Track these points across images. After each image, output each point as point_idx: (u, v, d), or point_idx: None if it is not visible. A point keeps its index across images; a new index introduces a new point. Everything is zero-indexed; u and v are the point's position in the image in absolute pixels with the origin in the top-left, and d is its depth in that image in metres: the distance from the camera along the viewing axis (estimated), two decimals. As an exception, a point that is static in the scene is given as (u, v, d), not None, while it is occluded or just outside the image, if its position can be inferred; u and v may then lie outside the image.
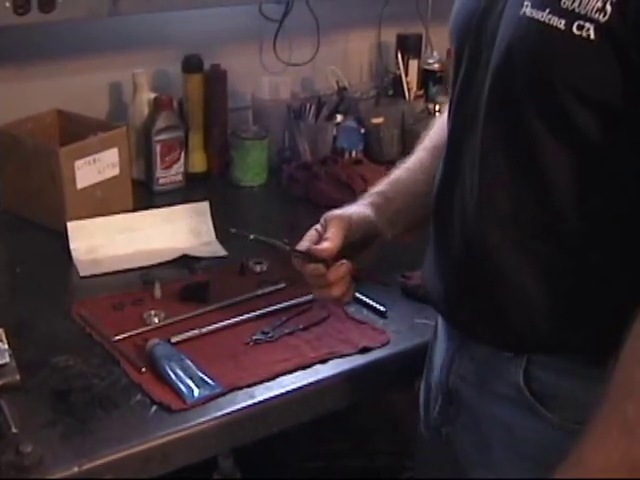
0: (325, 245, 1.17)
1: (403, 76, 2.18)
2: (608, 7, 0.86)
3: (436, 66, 2.22)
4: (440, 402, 1.16)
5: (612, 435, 0.87)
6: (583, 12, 0.88)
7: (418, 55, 2.24)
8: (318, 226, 1.22)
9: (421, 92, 2.20)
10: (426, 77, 2.23)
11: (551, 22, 0.90)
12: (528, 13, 0.93)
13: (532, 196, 0.97)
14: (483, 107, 1.00)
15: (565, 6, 0.89)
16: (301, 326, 1.36)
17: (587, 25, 0.87)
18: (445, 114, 1.27)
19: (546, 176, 0.95)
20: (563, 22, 0.89)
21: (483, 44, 1.01)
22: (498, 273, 1.01)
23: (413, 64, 2.22)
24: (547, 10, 0.91)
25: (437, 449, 1.19)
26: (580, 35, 0.88)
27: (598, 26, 0.87)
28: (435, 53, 2.26)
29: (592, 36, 0.87)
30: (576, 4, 0.88)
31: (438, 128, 1.29)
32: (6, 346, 1.15)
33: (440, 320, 1.21)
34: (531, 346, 1.03)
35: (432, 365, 1.21)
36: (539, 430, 1.04)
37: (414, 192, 1.25)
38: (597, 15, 0.87)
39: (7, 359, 1.07)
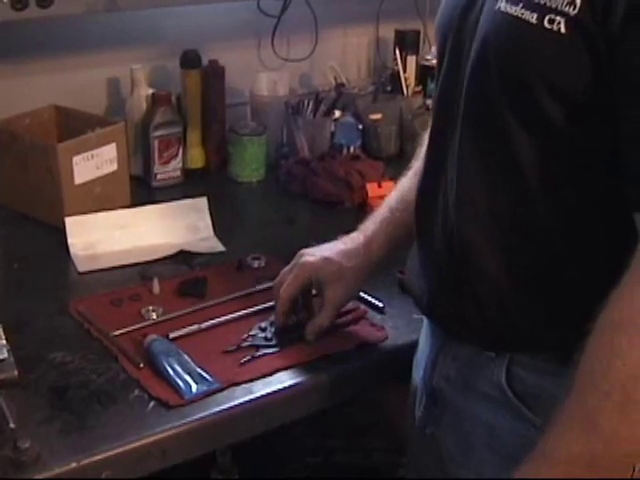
0: (317, 325, 1.29)
1: (401, 72, 2.18)
2: (578, 0, 0.87)
3: (434, 62, 2.21)
4: (424, 402, 1.17)
5: (573, 429, 0.88)
6: (554, 6, 0.89)
7: (416, 51, 2.24)
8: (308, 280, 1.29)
9: (419, 88, 2.20)
10: (424, 73, 2.23)
11: (523, 16, 0.92)
12: (502, 8, 0.94)
13: (506, 189, 0.98)
14: (462, 103, 1.01)
15: (537, 0, 0.91)
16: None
17: (558, 19, 0.89)
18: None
19: (518, 168, 0.96)
20: (535, 16, 0.91)
21: (464, 40, 1.02)
22: (476, 269, 1.02)
23: (411, 60, 2.22)
24: (520, 5, 0.92)
25: (424, 448, 1.20)
26: (551, 29, 0.89)
27: (568, 19, 0.88)
28: (433, 49, 2.25)
29: (563, 29, 0.89)
30: None
31: None
32: (4, 341, 1.15)
33: (424, 319, 1.21)
34: (510, 344, 1.03)
35: (417, 365, 1.22)
36: (521, 431, 1.04)
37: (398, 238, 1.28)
38: (567, 8, 0.88)
39: (5, 355, 1.07)
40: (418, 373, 1.20)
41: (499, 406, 1.05)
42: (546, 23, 0.89)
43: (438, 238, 1.07)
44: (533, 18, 0.91)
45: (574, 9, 0.87)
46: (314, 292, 1.32)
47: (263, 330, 1.32)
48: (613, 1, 0.85)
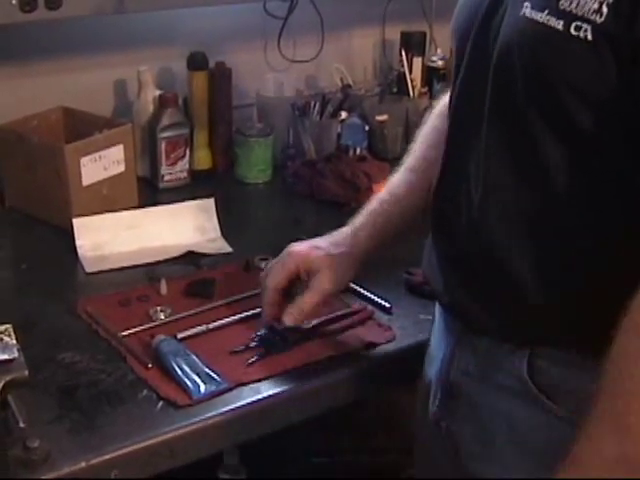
0: (297, 306, 1.25)
1: (407, 73, 2.19)
2: (604, 8, 0.88)
3: (440, 63, 2.22)
4: (439, 396, 1.17)
5: (605, 433, 0.88)
6: (580, 13, 0.90)
7: (422, 52, 2.24)
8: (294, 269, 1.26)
9: (425, 89, 2.20)
10: (430, 74, 2.23)
11: (549, 23, 0.92)
12: (527, 14, 0.95)
13: (532, 188, 0.99)
14: (487, 105, 1.02)
15: (563, 7, 0.91)
16: (306, 322, 1.36)
17: (584, 26, 0.89)
18: (426, 130, 1.32)
19: (545, 169, 0.97)
20: (561, 23, 0.91)
21: (487, 44, 1.02)
22: (502, 265, 1.03)
23: (417, 61, 2.22)
24: (546, 11, 0.93)
25: (436, 443, 1.20)
26: (578, 36, 0.90)
27: (595, 27, 0.88)
28: (439, 51, 2.26)
29: (589, 37, 0.89)
30: (573, 5, 0.90)
31: (426, 144, 1.32)
32: (14, 341, 1.16)
33: (439, 314, 1.21)
34: (533, 339, 1.03)
35: (430, 360, 1.22)
36: (542, 421, 1.05)
37: (391, 233, 1.28)
38: (594, 16, 0.89)
39: (15, 354, 1.07)
40: (432, 368, 1.20)
41: (519, 398, 1.05)
42: (572, 30, 0.90)
43: (461, 235, 1.08)
44: (559, 25, 0.91)
45: (600, 17, 0.88)
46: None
47: (271, 330, 1.33)
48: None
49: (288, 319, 1.25)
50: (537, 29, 0.93)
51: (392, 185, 1.30)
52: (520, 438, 1.07)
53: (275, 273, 1.26)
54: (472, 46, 1.06)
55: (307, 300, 1.24)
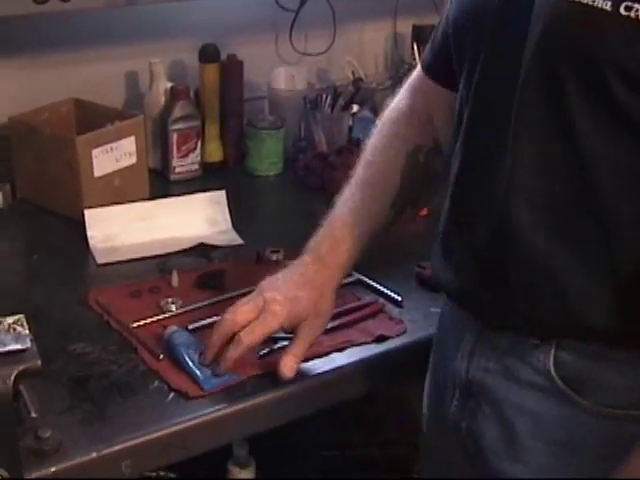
0: (292, 356, 1.20)
1: (419, 67, 2.18)
2: None
3: (451, 57, 2.22)
4: (458, 396, 1.14)
5: None
6: None
7: (434, 46, 2.24)
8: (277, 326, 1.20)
9: (436, 83, 2.19)
10: (442, 68, 2.22)
11: (595, 4, 0.89)
12: None
13: (566, 176, 0.96)
14: (519, 89, 0.97)
15: None
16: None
17: (636, 6, 0.86)
18: (381, 141, 1.29)
19: (582, 155, 0.94)
20: (609, 3, 0.88)
21: (516, 31, 0.98)
22: (528, 256, 1.00)
23: (428, 55, 2.22)
24: None
25: (454, 444, 1.17)
26: (628, 16, 0.87)
27: None
28: (451, 44, 2.25)
29: None
30: None
31: (385, 154, 1.29)
32: (27, 331, 1.16)
33: (451, 313, 1.19)
34: (562, 332, 1.01)
35: (443, 362, 1.20)
36: (569, 415, 1.03)
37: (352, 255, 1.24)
38: None
39: (28, 344, 1.07)
40: (445, 369, 1.17)
41: (544, 392, 1.03)
42: (622, 10, 0.87)
43: (481, 227, 1.04)
44: (607, 6, 0.87)
45: None
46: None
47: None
48: None
49: (288, 371, 1.19)
50: (582, 10, 0.89)
51: (351, 204, 1.26)
52: (546, 433, 1.05)
53: (255, 332, 1.18)
54: (494, 36, 1.01)
55: (300, 350, 1.20)
